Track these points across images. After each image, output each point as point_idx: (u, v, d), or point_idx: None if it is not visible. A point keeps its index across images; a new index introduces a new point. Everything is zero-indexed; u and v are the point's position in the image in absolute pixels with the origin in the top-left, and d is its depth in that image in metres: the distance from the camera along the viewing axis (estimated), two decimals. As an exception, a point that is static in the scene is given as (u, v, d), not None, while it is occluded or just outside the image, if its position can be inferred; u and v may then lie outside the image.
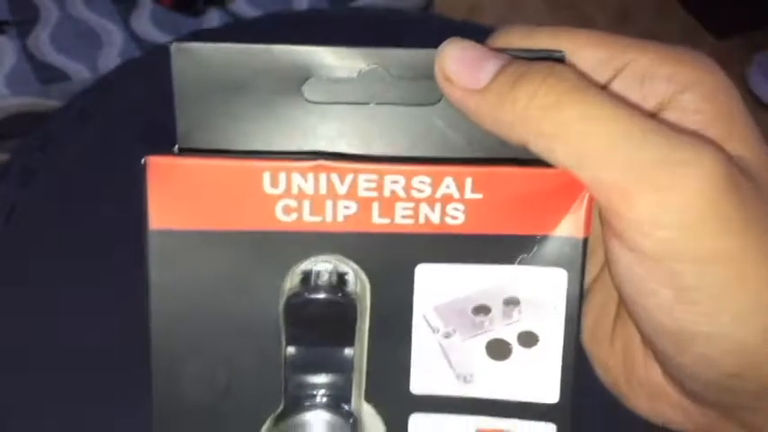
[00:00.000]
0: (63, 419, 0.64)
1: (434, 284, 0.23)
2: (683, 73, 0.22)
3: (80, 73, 1.02)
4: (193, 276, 0.23)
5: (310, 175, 0.21)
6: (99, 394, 0.64)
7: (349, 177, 0.21)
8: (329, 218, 0.22)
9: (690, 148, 0.19)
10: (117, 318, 0.68)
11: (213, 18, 1.08)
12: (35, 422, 0.64)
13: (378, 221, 0.22)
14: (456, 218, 0.22)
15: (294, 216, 0.22)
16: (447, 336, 0.23)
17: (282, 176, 0.21)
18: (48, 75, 1.02)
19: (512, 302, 0.23)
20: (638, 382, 0.24)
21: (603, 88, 0.22)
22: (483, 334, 0.23)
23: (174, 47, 0.23)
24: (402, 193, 0.22)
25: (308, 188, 0.21)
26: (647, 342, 0.23)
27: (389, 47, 0.22)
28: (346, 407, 0.23)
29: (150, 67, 0.90)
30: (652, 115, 0.21)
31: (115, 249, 0.74)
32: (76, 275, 0.71)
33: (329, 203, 0.22)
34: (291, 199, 0.21)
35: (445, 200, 0.22)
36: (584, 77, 0.20)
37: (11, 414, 0.65)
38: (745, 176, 0.20)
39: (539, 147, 0.20)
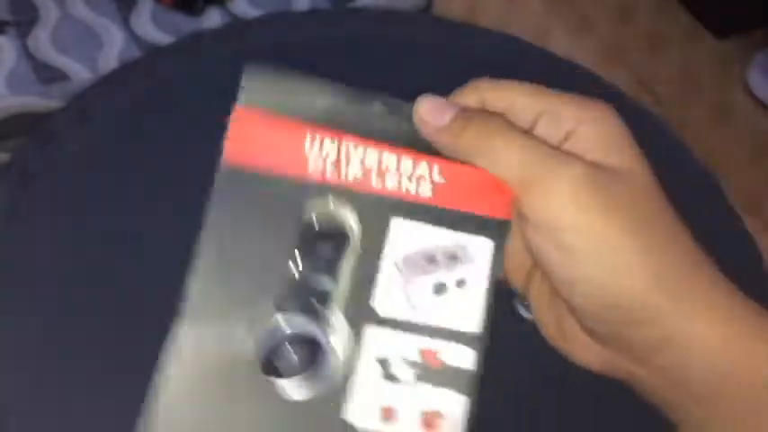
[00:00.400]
0: (63, 419, 0.64)
1: (402, 235, 0.32)
2: (583, 113, 0.32)
3: (80, 73, 1.02)
4: (246, 199, 0.31)
5: (336, 142, 0.31)
6: (99, 395, 0.64)
7: (360, 150, 0.31)
8: (342, 176, 0.31)
9: (563, 162, 0.31)
10: (115, 318, 0.68)
11: (213, 18, 1.08)
12: (35, 422, 0.64)
13: (373, 184, 0.31)
14: (426, 192, 0.32)
15: (320, 171, 0.31)
16: (403, 274, 0.32)
17: (317, 140, 0.31)
18: (48, 75, 1.02)
19: (453, 257, 0.32)
20: (566, 337, 0.34)
21: (531, 125, 0.33)
22: (430, 276, 0.32)
23: (246, 69, 0.32)
24: (393, 168, 0.32)
25: (333, 153, 0.31)
26: (558, 293, 0.32)
27: (392, 96, 0.33)
28: (326, 313, 0.31)
29: (150, 68, 0.90)
30: (561, 142, 0.32)
31: (115, 250, 0.74)
32: (76, 275, 0.71)
33: (345, 166, 0.31)
34: (322, 158, 0.31)
35: (420, 178, 0.32)
36: (507, 121, 0.32)
37: (11, 414, 0.65)
38: (611, 179, 0.31)
39: (480, 164, 0.32)
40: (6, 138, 1.01)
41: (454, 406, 0.31)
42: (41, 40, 1.05)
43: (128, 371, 0.65)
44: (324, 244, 0.32)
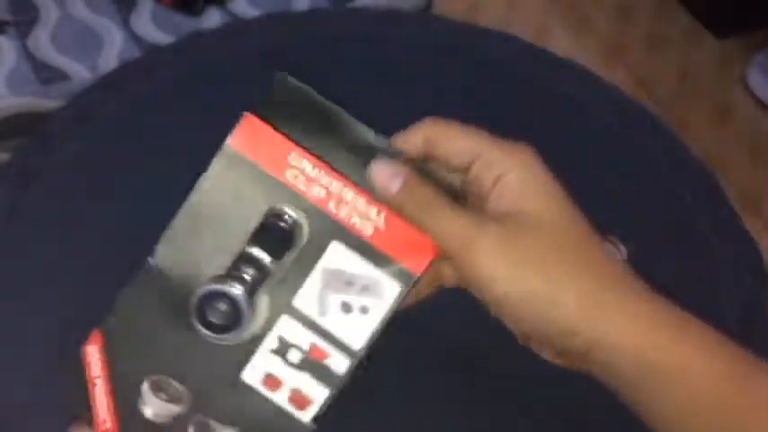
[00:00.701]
0: (62, 420, 0.64)
1: (335, 256, 0.39)
2: (508, 161, 0.38)
3: (80, 73, 1.02)
4: (233, 181, 0.39)
5: (314, 166, 0.39)
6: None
7: (329, 178, 0.39)
8: (309, 191, 0.39)
9: (481, 228, 0.37)
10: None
11: (213, 17, 1.08)
12: (35, 422, 0.65)
13: (330, 207, 0.39)
14: (368, 230, 0.39)
15: (294, 180, 0.39)
16: (324, 286, 0.39)
17: (300, 158, 0.39)
18: (48, 75, 1.02)
19: (366, 288, 0.39)
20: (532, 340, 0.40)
21: (468, 164, 0.39)
22: (342, 295, 0.39)
23: (279, 75, 0.40)
24: (349, 201, 0.39)
25: (309, 171, 0.39)
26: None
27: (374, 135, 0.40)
28: (258, 288, 0.39)
29: (150, 67, 0.90)
30: (493, 184, 0.38)
31: (115, 250, 0.74)
32: (76, 275, 0.71)
33: (314, 185, 0.39)
34: (298, 171, 0.39)
35: (367, 217, 0.39)
36: (439, 196, 0.38)
37: (11, 414, 0.65)
38: (522, 229, 0.37)
39: (420, 230, 0.39)
40: (6, 138, 1.01)
41: (319, 395, 0.40)
42: (41, 40, 1.05)
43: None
44: (276, 233, 0.39)
